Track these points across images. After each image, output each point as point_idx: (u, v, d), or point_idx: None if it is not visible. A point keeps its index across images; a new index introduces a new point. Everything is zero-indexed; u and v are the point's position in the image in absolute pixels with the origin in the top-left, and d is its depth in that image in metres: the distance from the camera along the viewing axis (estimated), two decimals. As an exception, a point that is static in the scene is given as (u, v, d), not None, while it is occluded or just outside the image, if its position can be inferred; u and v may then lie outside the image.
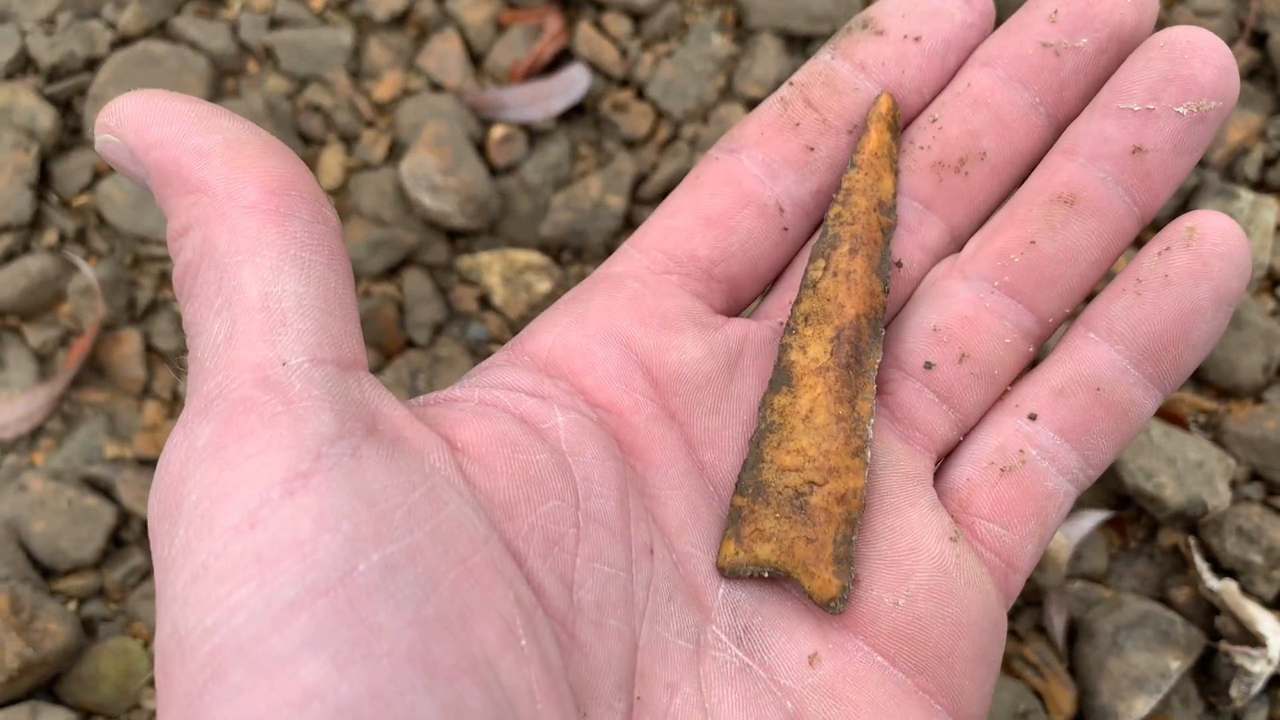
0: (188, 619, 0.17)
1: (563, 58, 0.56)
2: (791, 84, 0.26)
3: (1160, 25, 0.32)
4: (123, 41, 0.55)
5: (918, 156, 0.26)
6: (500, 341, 0.55)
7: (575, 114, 0.56)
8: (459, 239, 0.55)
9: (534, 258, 0.55)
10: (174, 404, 0.52)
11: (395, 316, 0.54)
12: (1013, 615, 0.50)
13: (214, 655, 0.16)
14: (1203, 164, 0.57)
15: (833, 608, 0.22)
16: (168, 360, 0.53)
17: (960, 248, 0.27)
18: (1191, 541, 0.50)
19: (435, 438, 0.20)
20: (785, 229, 0.25)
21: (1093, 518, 0.51)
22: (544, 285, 0.54)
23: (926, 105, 0.27)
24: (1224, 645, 0.47)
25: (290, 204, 0.20)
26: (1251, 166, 0.57)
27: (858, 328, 0.24)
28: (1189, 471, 0.50)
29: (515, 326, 0.55)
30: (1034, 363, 0.27)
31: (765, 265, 0.26)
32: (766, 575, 0.22)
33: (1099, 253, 0.25)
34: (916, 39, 0.25)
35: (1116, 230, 0.25)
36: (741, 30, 0.57)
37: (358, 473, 0.18)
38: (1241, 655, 0.47)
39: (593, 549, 0.21)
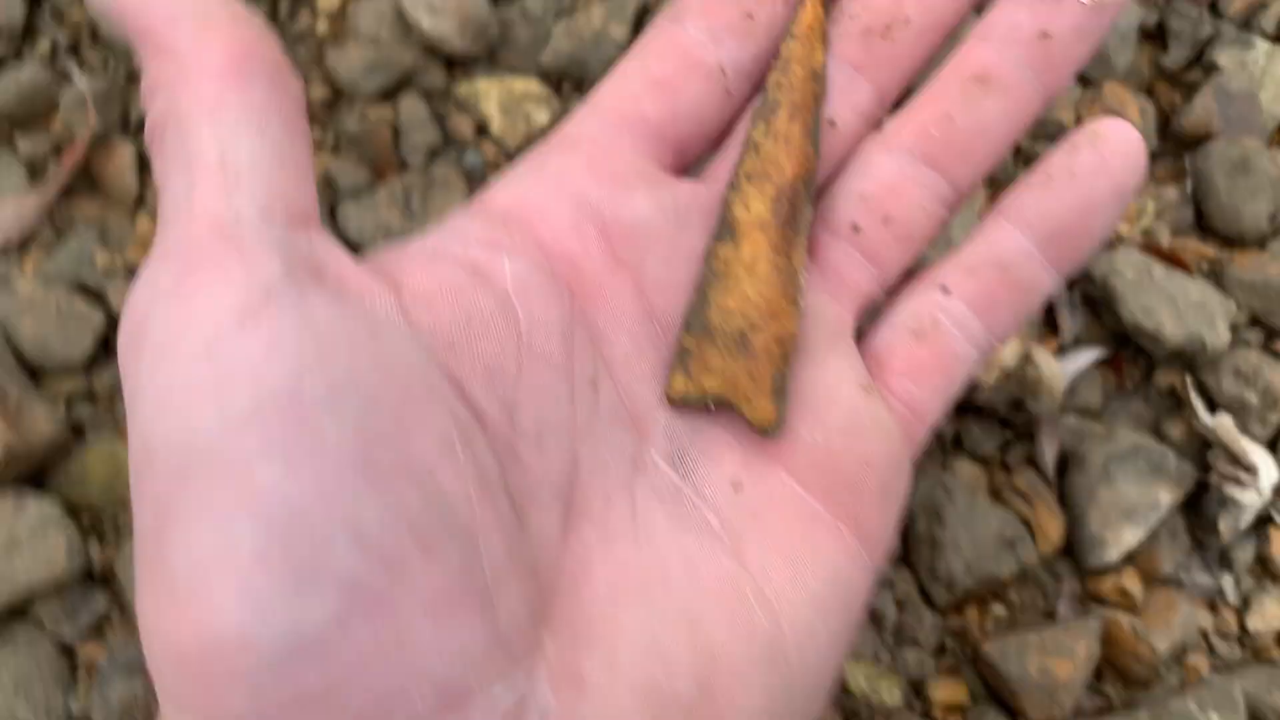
0: (155, 436, 0.19)
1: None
2: None
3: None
4: None
5: (848, 25, 0.28)
6: (497, 169, 0.54)
7: (580, -57, 0.55)
8: (457, 67, 0.54)
9: (533, 87, 0.54)
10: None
11: (390, 139, 0.53)
12: (1004, 448, 0.50)
13: (179, 466, 0.19)
14: (1219, 14, 0.56)
15: (769, 432, 0.25)
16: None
17: (888, 110, 0.29)
18: (1188, 380, 0.49)
19: (380, 283, 0.22)
20: (729, 91, 0.27)
21: (1089, 354, 0.50)
22: (543, 116, 0.54)
23: None
24: (1215, 475, 0.47)
25: (252, 70, 0.22)
26: (1269, 21, 0.56)
27: (795, 188, 0.26)
28: (1189, 310, 0.49)
29: (512, 156, 0.54)
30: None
31: (711, 126, 0.27)
32: (711, 405, 0.25)
33: (1008, 127, 0.27)
34: None
35: (1023, 108, 0.27)
36: None
37: (304, 310, 0.20)
38: (1232, 486, 0.47)
39: (534, 379, 0.23)
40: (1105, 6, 0.27)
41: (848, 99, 0.28)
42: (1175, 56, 0.54)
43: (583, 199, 0.26)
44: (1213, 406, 0.49)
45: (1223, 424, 0.47)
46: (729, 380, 0.25)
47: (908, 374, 0.27)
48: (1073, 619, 0.47)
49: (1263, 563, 0.49)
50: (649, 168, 0.27)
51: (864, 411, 0.26)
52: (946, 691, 0.47)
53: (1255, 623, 0.48)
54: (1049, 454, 0.49)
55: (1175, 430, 0.49)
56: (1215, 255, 0.52)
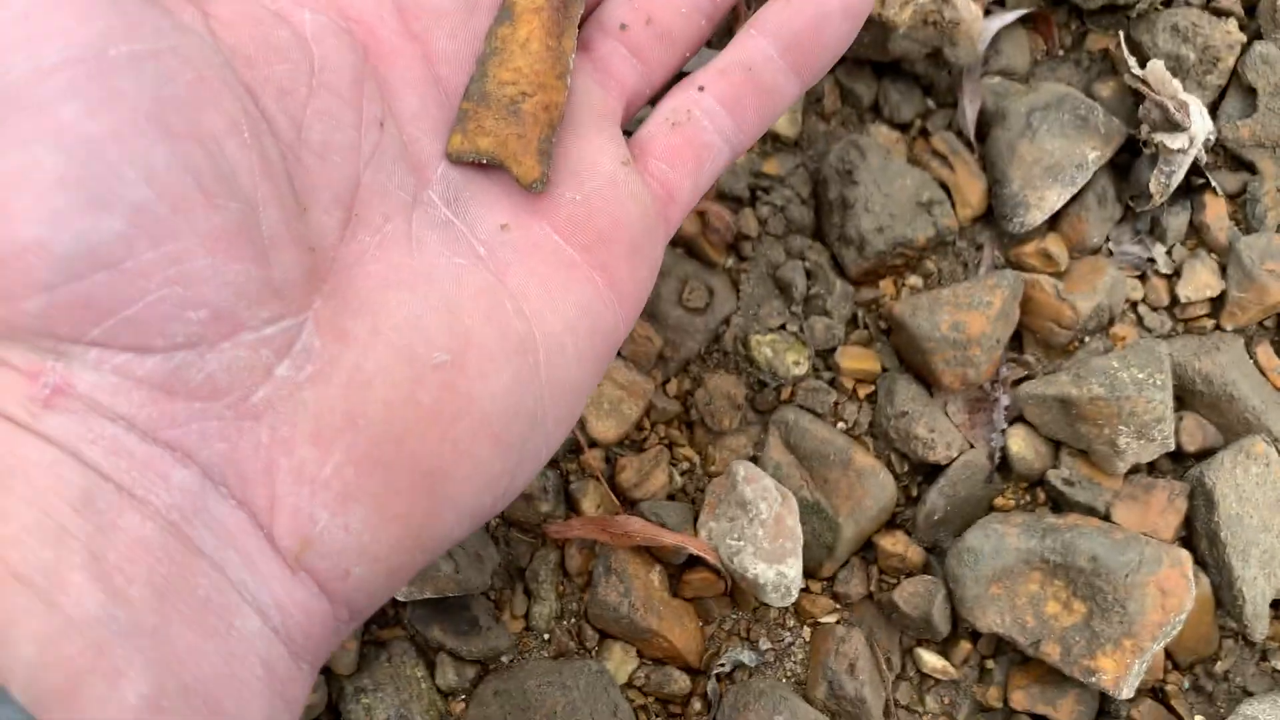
0: None
1: None
2: None
3: None
4: None
5: None
6: None
7: None
8: None
9: None
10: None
11: None
12: (924, 115, 0.47)
13: None
14: None
15: (534, 188, 0.28)
16: None
17: None
18: (1121, 36, 0.46)
19: (189, 4, 0.24)
20: None
21: (1013, 13, 0.47)
22: None
23: None
24: (1145, 127, 0.44)
25: None
26: None
27: None
28: (1123, -42, 0.45)
29: None
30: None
31: None
32: (484, 162, 0.28)
33: None
34: None
35: None
36: None
37: (117, 1, 0.22)
38: (1162, 134, 0.43)
39: (323, 105, 0.25)
40: None
41: None
42: None
43: None
44: (1144, 65, 0.46)
45: (1154, 68, 0.44)
46: (500, 141, 0.28)
47: (663, 157, 0.30)
48: (986, 274, 0.44)
49: (1196, 231, 0.46)
50: None
51: (621, 181, 0.29)
52: (856, 360, 0.44)
53: (1186, 291, 0.45)
54: (969, 112, 0.46)
55: (1106, 91, 0.46)
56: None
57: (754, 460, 0.43)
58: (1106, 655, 0.40)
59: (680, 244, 0.46)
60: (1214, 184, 0.46)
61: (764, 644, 0.42)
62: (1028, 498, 0.44)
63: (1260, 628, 0.42)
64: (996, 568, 0.41)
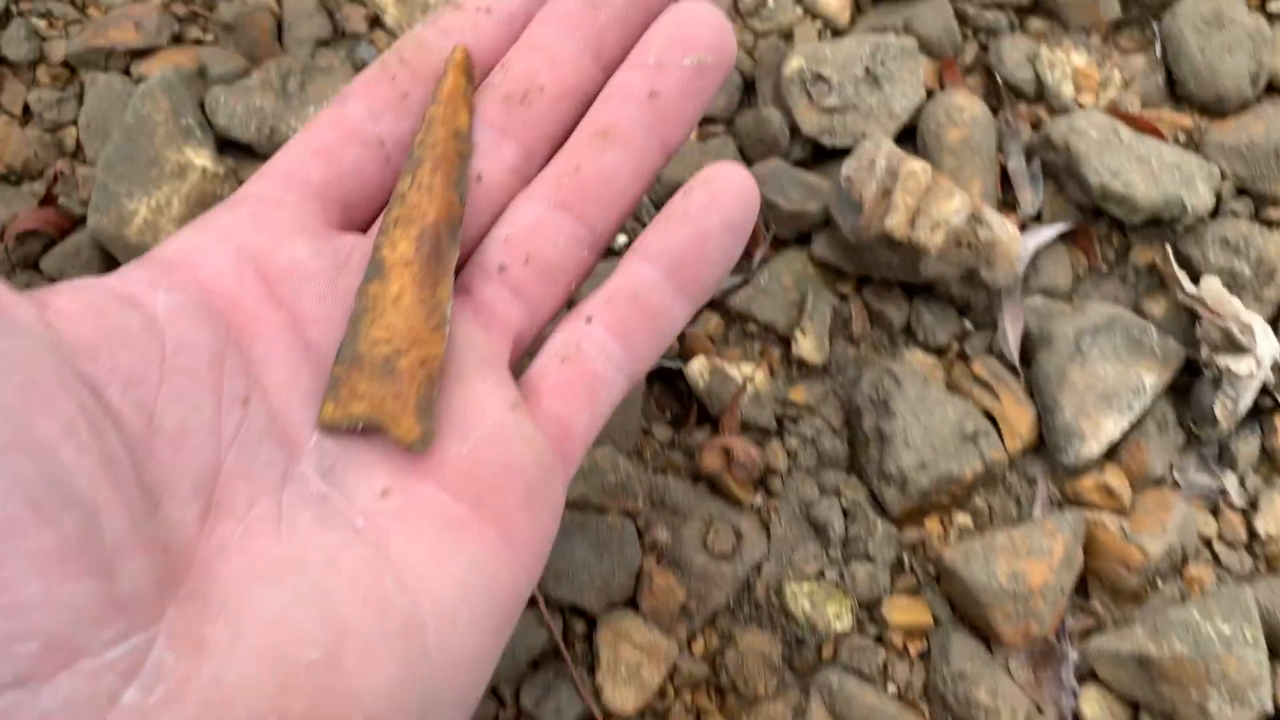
0: None
1: None
2: (391, 50, 0.32)
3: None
4: None
5: (491, 93, 0.31)
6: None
7: None
8: (350, -41, 0.50)
9: (431, -24, 0.49)
10: (24, 117, 0.47)
11: (271, 28, 0.48)
12: (961, 338, 0.44)
13: None
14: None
15: (416, 448, 0.26)
16: (16, 72, 0.47)
17: (540, 167, 0.32)
18: (1169, 250, 0.43)
19: (25, 299, 0.23)
20: (388, 159, 0.30)
21: (1053, 228, 0.44)
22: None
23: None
24: (1205, 348, 0.41)
25: None
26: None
27: (437, 230, 0.29)
28: (1164, 172, 0.43)
29: (409, 49, 0.49)
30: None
31: (373, 187, 0.30)
32: (360, 428, 0.26)
33: (631, 174, 0.31)
34: (487, 10, 0.32)
35: (644, 156, 0.31)
36: None
37: None
38: (1226, 356, 0.40)
39: (176, 391, 0.24)
40: (706, 68, 0.31)
41: (494, 157, 0.31)
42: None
43: (244, 246, 0.28)
44: (1197, 281, 0.43)
45: (1210, 286, 0.41)
46: (376, 403, 0.26)
47: (556, 394, 0.29)
48: (1045, 517, 0.40)
49: (1270, 457, 0.42)
50: (313, 223, 0.29)
51: (511, 426, 0.28)
52: (905, 612, 0.40)
53: (1265, 525, 0.41)
54: (1012, 335, 0.42)
55: (1156, 308, 0.43)
56: (1193, 124, 0.46)
57: (793, 733, 0.38)
58: None
59: (703, 481, 0.42)
60: (1284, 407, 0.42)
61: None
62: (1109, 772, 0.38)
63: None
64: None
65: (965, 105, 0.44)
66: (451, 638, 0.25)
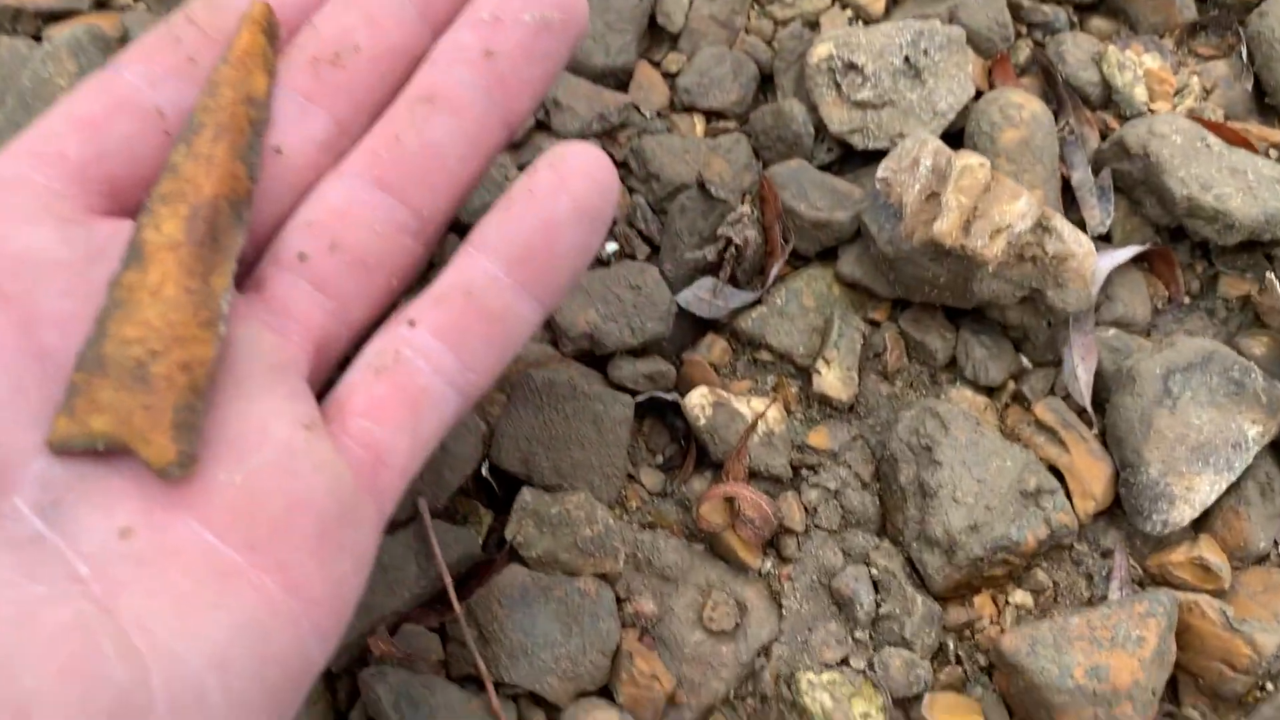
0: None
1: None
2: (179, 9, 0.28)
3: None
4: None
5: (296, 55, 0.27)
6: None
7: None
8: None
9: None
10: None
11: (214, -4, 0.41)
12: (1017, 377, 0.36)
13: None
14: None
15: (170, 473, 0.22)
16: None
17: (352, 138, 0.28)
18: (1271, 276, 0.36)
19: None
20: (167, 132, 0.26)
21: (1128, 249, 0.37)
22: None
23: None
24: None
25: None
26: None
27: (215, 207, 0.24)
28: (1263, 185, 0.36)
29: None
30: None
31: (147, 167, 0.26)
32: (101, 448, 0.22)
33: (465, 148, 0.27)
34: None
35: (480, 127, 0.27)
36: None
37: None
38: (1351, 405, 0.32)
39: None
40: (552, 26, 0.27)
41: (299, 128, 0.27)
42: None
43: None
44: (1305, 317, 0.35)
45: (1328, 320, 0.33)
46: (122, 417, 0.22)
47: (366, 413, 0.25)
48: (1132, 597, 0.32)
49: (1398, 533, 0.34)
50: (64, 207, 0.24)
51: (301, 450, 0.23)
52: (950, 714, 0.32)
53: (1398, 617, 0.33)
54: (1083, 373, 0.35)
55: (1257, 348, 0.36)
56: (1286, 139, 0.40)
57: None
58: None
59: (700, 540, 0.34)
60: None
61: None
62: None
63: None
64: None
65: (1024, 103, 0.37)
66: (199, 718, 0.20)
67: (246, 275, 0.26)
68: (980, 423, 0.34)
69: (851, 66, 0.39)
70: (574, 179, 0.26)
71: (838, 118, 0.39)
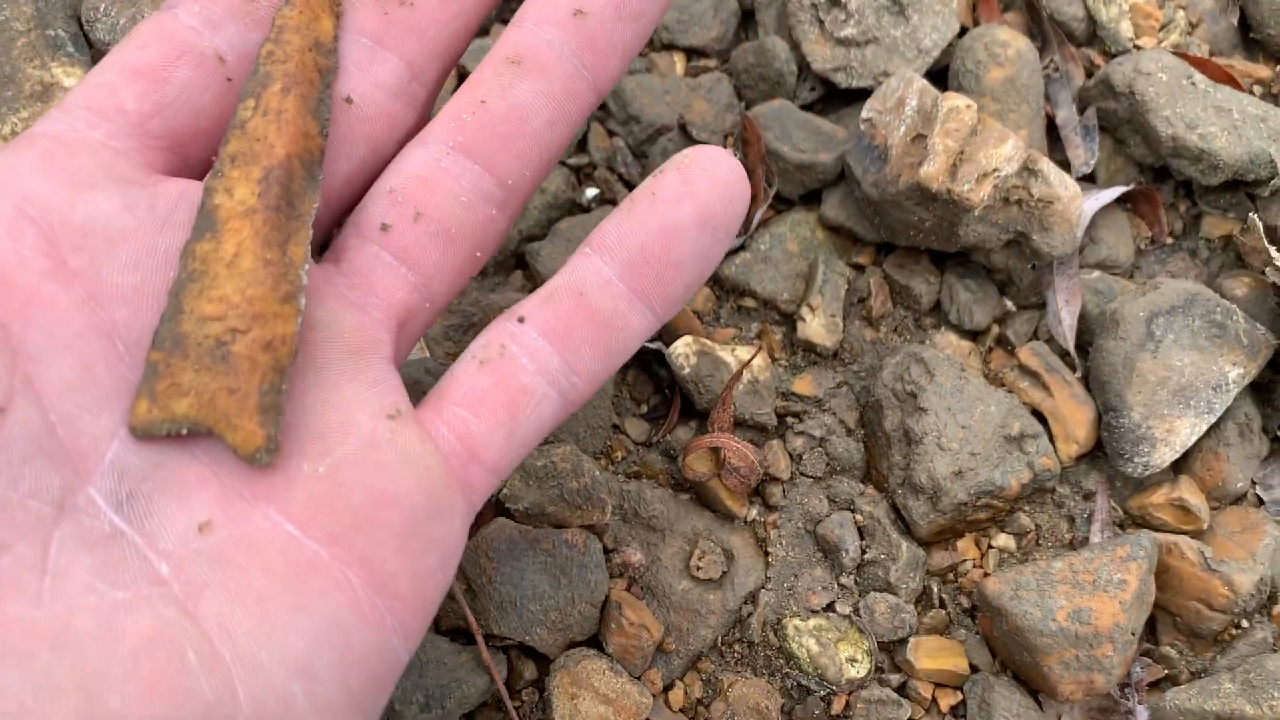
0: None
1: None
2: None
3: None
4: None
5: None
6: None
7: None
8: None
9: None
10: None
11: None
12: (1001, 320, 0.36)
13: None
14: None
15: (257, 459, 0.21)
16: None
17: (429, 87, 0.27)
18: (1253, 217, 0.35)
19: None
20: (229, 79, 0.24)
21: (1113, 190, 0.37)
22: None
23: None
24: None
25: None
26: None
27: (288, 168, 0.23)
28: (1248, 124, 0.36)
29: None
30: None
31: (210, 118, 0.24)
32: (185, 432, 0.21)
33: (551, 112, 0.25)
34: None
35: (566, 90, 0.25)
36: None
37: None
38: (1331, 347, 0.33)
39: None
40: None
41: (367, 74, 0.25)
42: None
43: (25, 199, 0.22)
44: (1287, 257, 0.35)
45: (1310, 262, 0.33)
46: (205, 400, 0.21)
47: (464, 403, 0.24)
48: (1113, 541, 0.32)
49: (1371, 471, 0.35)
50: (122, 164, 0.23)
51: (384, 441, 0.22)
52: (935, 657, 0.32)
53: (1369, 553, 0.34)
54: (1066, 316, 0.35)
55: (1239, 289, 0.36)
56: (1271, 75, 0.39)
57: (797, 810, 0.30)
58: None
59: (687, 489, 0.34)
60: (1391, 410, 0.35)
61: None
62: None
63: None
64: None
65: (1010, 40, 0.37)
66: None
67: (322, 242, 0.25)
68: (965, 368, 0.34)
69: (835, 3, 0.38)
70: (700, 184, 0.25)
71: (820, 55, 0.38)
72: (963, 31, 0.39)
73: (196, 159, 0.24)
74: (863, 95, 0.38)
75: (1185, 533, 0.33)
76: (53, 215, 0.22)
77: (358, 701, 0.21)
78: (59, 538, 0.19)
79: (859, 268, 0.37)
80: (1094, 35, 0.40)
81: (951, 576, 0.34)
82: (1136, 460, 0.33)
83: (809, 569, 0.33)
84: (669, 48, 0.39)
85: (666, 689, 0.32)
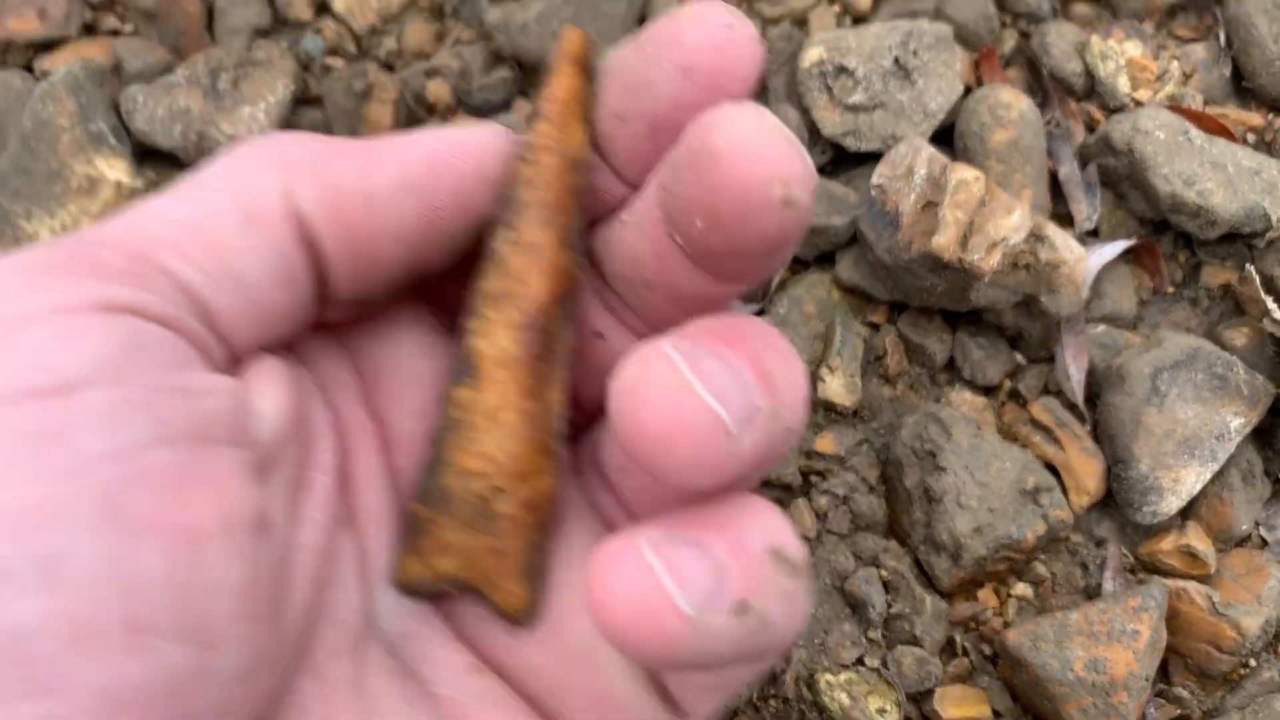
0: None
1: None
2: None
3: None
4: None
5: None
6: (340, 54, 0.42)
7: None
8: (291, -65, 0.43)
9: (387, -45, 0.42)
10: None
11: (200, 16, 0.41)
12: (1013, 375, 0.38)
13: None
14: None
15: (521, 620, 0.21)
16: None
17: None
18: (1250, 269, 0.37)
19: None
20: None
21: (1116, 245, 0.38)
22: (401, -6, 0.42)
23: None
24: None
25: None
26: None
27: (549, 312, 0.21)
28: (1243, 178, 0.37)
29: (361, 40, 0.42)
30: None
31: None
32: (450, 591, 0.21)
33: None
34: None
35: None
36: None
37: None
38: (1328, 398, 0.34)
39: (320, 497, 0.20)
40: None
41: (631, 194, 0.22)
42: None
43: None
44: (1283, 305, 0.37)
45: (1306, 315, 0.35)
46: (471, 560, 0.21)
47: None
48: (1126, 592, 0.34)
49: (1370, 509, 0.37)
50: (422, 312, 0.23)
51: (604, 650, 0.20)
52: (960, 706, 0.34)
53: (1370, 590, 0.35)
54: (1075, 372, 0.36)
55: (1238, 338, 0.37)
56: (1264, 123, 0.41)
57: None
58: None
59: (717, 549, 0.35)
60: (1387, 452, 0.36)
61: None
62: None
63: None
64: None
65: (1013, 102, 0.38)
66: None
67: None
68: (980, 426, 0.36)
69: (843, 70, 0.39)
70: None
71: (830, 121, 0.39)
72: (967, 91, 0.40)
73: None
74: (872, 158, 0.39)
75: (1193, 578, 0.35)
76: (363, 353, 0.22)
77: None
78: (369, 657, 0.20)
79: (874, 326, 0.38)
80: (1093, 90, 0.41)
81: (973, 624, 0.35)
82: (1145, 509, 0.35)
83: (838, 624, 0.35)
84: (684, 116, 0.41)
85: (707, 744, 0.33)
